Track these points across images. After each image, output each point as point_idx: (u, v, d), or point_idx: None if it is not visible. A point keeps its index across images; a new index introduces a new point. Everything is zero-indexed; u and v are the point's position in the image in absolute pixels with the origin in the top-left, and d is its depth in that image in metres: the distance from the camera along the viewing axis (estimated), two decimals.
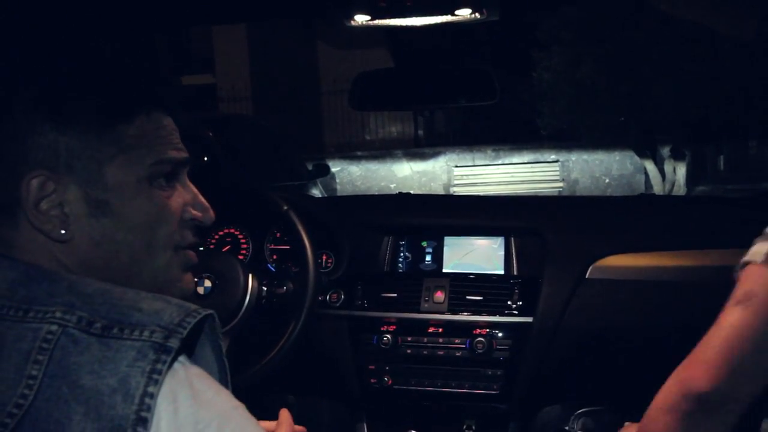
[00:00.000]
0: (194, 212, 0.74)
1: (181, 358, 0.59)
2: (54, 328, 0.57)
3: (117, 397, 0.55)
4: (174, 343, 0.57)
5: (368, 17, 1.23)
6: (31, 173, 0.63)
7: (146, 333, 0.57)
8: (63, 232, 0.64)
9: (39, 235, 0.64)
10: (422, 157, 9.29)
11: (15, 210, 0.64)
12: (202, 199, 0.75)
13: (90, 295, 0.60)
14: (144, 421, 0.54)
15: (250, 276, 1.33)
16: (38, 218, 0.64)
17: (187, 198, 0.73)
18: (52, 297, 0.59)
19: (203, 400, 0.58)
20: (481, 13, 1.21)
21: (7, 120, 0.64)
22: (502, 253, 1.54)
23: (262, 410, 0.66)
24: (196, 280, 1.14)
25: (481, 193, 8.03)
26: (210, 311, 0.62)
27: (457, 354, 1.43)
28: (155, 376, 0.56)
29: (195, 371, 0.60)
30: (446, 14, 1.22)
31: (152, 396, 0.55)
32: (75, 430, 0.54)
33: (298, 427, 1.01)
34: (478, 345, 1.41)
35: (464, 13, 1.21)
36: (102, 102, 0.66)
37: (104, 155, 0.65)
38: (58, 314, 0.58)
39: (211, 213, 0.75)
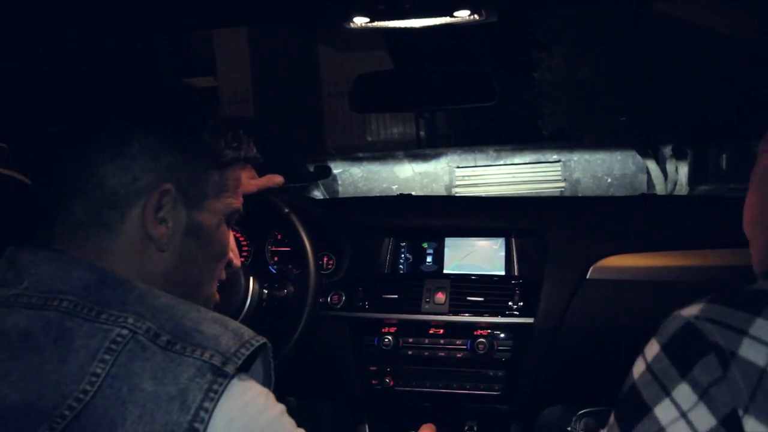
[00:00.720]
0: (231, 255, 0.86)
1: (237, 376, 0.63)
2: (125, 332, 0.62)
3: (174, 405, 0.59)
4: (230, 369, 0.62)
5: (367, 19, 1.23)
6: (163, 184, 0.70)
7: (206, 355, 0.62)
8: (166, 241, 0.72)
9: (138, 240, 0.70)
10: (424, 158, 9.29)
11: (126, 212, 0.70)
12: (235, 247, 0.88)
13: (158, 309, 0.65)
14: None
15: (251, 278, 1.33)
16: (153, 224, 0.70)
17: (231, 242, 0.85)
18: (124, 304, 0.64)
19: (253, 411, 0.63)
20: (479, 15, 1.21)
21: (146, 135, 0.71)
22: (502, 253, 1.54)
23: None
24: None
25: (483, 194, 8.03)
26: (263, 340, 0.68)
27: (459, 355, 1.43)
28: (211, 394, 0.60)
29: (246, 384, 0.64)
30: (445, 16, 1.22)
31: (207, 410, 0.60)
32: (127, 431, 0.58)
33: None
34: (480, 346, 1.41)
35: (463, 15, 1.21)
36: (223, 148, 0.77)
37: (208, 190, 0.75)
38: (130, 320, 0.63)
39: (239, 259, 0.89)
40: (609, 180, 8.83)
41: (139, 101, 0.74)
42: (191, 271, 0.75)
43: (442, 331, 1.45)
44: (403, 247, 1.60)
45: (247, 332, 0.67)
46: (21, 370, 0.60)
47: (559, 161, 8.94)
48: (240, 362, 0.63)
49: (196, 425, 0.59)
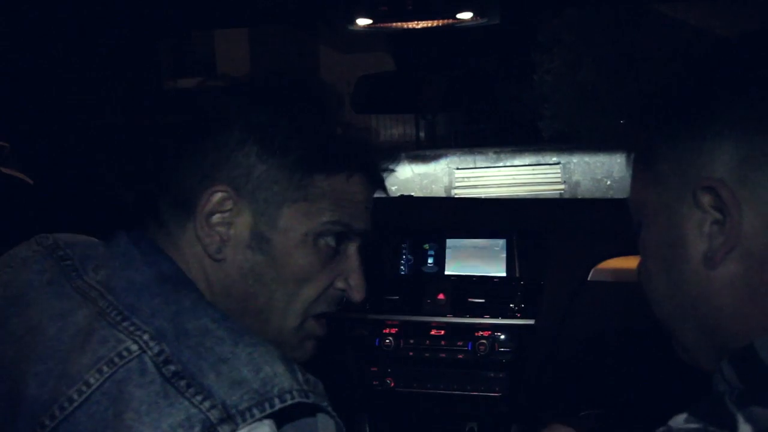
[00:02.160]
0: (345, 284, 0.72)
1: None
2: (134, 348, 0.56)
3: None
4: (224, 430, 0.52)
5: (370, 21, 1.23)
6: (217, 185, 0.64)
7: (206, 404, 0.53)
8: (219, 250, 0.64)
9: (198, 244, 0.65)
10: (423, 159, 9.29)
11: (189, 212, 0.65)
12: (361, 276, 0.73)
13: (188, 332, 0.57)
14: None
15: None
16: (204, 229, 0.64)
17: (345, 268, 0.72)
18: (152, 317, 0.58)
19: None
20: (482, 17, 1.21)
21: (219, 130, 0.65)
22: (504, 255, 1.54)
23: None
24: None
25: (483, 196, 8.04)
26: (295, 400, 0.55)
27: (460, 356, 1.44)
28: None
29: None
30: (447, 18, 1.22)
31: None
32: None
33: None
34: (481, 347, 1.41)
35: (465, 17, 1.21)
36: (310, 147, 0.66)
37: (288, 196, 0.65)
38: (145, 337, 0.57)
39: (362, 293, 0.73)
40: (608, 182, 8.84)
41: (217, 98, 0.68)
42: (255, 290, 0.66)
43: (443, 332, 1.45)
44: (404, 248, 1.60)
45: (279, 386, 0.55)
46: (45, 362, 0.58)
47: (558, 163, 8.95)
48: (244, 425, 0.53)
49: None
